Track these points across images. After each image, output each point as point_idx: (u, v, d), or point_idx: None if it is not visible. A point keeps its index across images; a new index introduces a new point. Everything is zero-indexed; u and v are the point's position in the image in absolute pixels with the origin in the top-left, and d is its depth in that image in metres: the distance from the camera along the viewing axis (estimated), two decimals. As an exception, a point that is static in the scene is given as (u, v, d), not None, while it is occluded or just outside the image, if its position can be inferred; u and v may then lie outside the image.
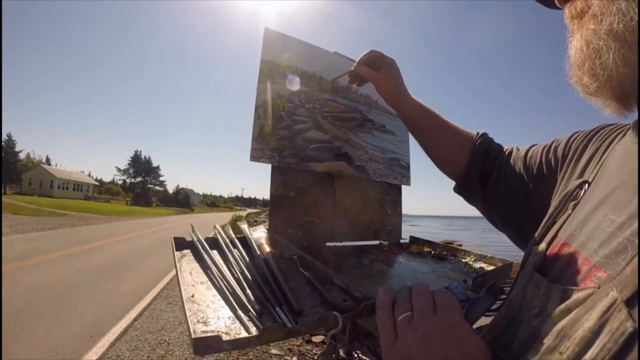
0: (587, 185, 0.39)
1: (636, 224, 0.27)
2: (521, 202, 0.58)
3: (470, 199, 0.74)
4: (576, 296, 0.28)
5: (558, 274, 0.33)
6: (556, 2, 0.41)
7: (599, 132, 0.47)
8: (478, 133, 0.75)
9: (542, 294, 0.32)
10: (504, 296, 0.39)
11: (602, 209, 0.33)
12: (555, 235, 0.38)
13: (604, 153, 0.42)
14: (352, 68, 0.80)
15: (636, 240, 0.26)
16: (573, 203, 0.39)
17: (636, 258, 0.25)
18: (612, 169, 0.37)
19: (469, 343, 0.30)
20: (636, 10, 0.30)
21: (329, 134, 0.96)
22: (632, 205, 0.29)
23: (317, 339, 3.09)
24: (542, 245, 0.38)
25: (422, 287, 0.38)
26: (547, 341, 0.27)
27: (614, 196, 0.33)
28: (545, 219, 0.42)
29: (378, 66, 0.76)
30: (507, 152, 0.68)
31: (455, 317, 0.32)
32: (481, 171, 0.68)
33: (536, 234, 0.42)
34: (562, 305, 0.28)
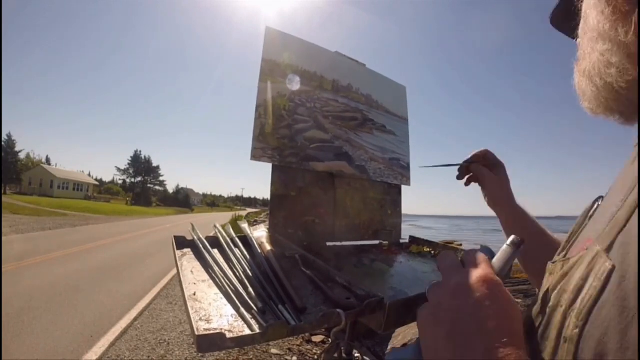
0: (601, 199, 0.43)
1: (617, 201, 0.31)
2: None
3: None
4: (572, 261, 0.33)
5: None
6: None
7: None
8: None
9: (549, 275, 0.36)
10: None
11: (604, 204, 0.38)
12: (574, 242, 0.41)
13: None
14: (467, 164, 0.78)
15: (618, 211, 0.30)
16: (589, 214, 0.42)
17: (614, 219, 0.30)
18: (623, 177, 0.40)
19: (500, 293, 0.31)
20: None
21: (330, 133, 0.96)
22: (619, 191, 0.33)
23: (317, 338, 3.09)
24: (563, 253, 0.41)
25: (445, 253, 0.38)
26: (552, 302, 0.32)
27: (613, 190, 0.37)
28: (567, 236, 0.45)
29: (491, 166, 0.77)
30: None
31: (485, 269, 0.33)
32: None
33: (560, 248, 0.45)
34: (561, 272, 0.34)
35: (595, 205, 0.43)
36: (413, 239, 1.11)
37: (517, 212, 0.75)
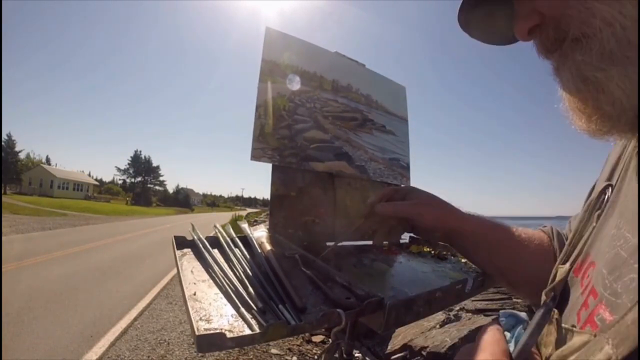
0: (610, 189, 0.34)
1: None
2: None
3: None
4: (573, 341, 0.26)
5: (570, 305, 0.31)
6: (518, 35, 0.33)
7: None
8: (550, 234, 0.57)
9: (553, 330, 0.30)
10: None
11: (621, 220, 0.29)
12: (580, 252, 0.34)
13: (631, 156, 0.35)
14: (380, 210, 0.64)
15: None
16: (597, 213, 0.34)
17: (637, 306, 0.21)
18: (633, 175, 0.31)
19: None
20: (623, 11, 0.24)
21: (330, 133, 0.96)
22: None
23: (317, 338, 3.09)
24: (567, 266, 0.34)
25: (485, 327, 0.32)
26: None
27: (631, 208, 0.28)
28: (571, 235, 0.38)
29: (400, 197, 0.63)
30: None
31: (493, 352, 0.27)
32: None
33: (563, 251, 0.38)
34: (559, 351, 0.27)
35: (605, 198, 0.34)
36: (413, 239, 1.11)
37: (473, 222, 0.58)
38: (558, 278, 0.34)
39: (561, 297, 0.32)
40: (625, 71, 0.25)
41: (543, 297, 0.35)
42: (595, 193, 0.36)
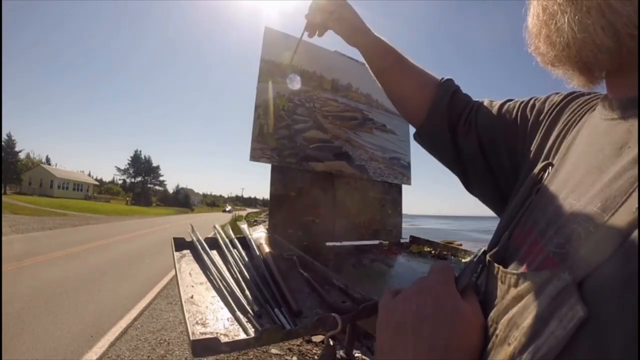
0: (550, 167, 0.37)
1: (591, 208, 0.25)
2: (493, 159, 0.54)
3: (433, 147, 0.66)
4: (527, 282, 0.26)
5: (516, 263, 0.31)
6: None
7: (573, 102, 0.44)
8: (443, 78, 0.67)
9: (500, 284, 0.30)
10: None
11: (563, 192, 0.31)
12: (519, 222, 0.36)
13: (570, 129, 0.39)
14: (306, 16, 0.73)
15: (589, 227, 0.24)
16: (537, 187, 0.37)
17: (588, 239, 0.23)
18: (579, 149, 0.34)
19: (444, 301, 0.29)
20: None
21: (329, 133, 0.95)
22: (594, 189, 0.27)
23: (317, 338, 3.09)
24: (506, 234, 0.36)
25: (438, 264, 0.36)
26: (499, 332, 0.26)
27: (577, 178, 0.30)
28: (512, 205, 0.40)
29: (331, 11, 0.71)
30: (476, 104, 0.62)
31: (438, 278, 0.31)
32: (449, 118, 0.61)
33: (502, 221, 0.40)
34: (514, 292, 0.27)
35: (545, 174, 0.37)
36: (413, 239, 1.10)
37: (374, 42, 0.69)
38: (498, 246, 0.35)
39: (503, 261, 0.33)
40: (578, 13, 0.29)
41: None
42: (536, 170, 0.38)
